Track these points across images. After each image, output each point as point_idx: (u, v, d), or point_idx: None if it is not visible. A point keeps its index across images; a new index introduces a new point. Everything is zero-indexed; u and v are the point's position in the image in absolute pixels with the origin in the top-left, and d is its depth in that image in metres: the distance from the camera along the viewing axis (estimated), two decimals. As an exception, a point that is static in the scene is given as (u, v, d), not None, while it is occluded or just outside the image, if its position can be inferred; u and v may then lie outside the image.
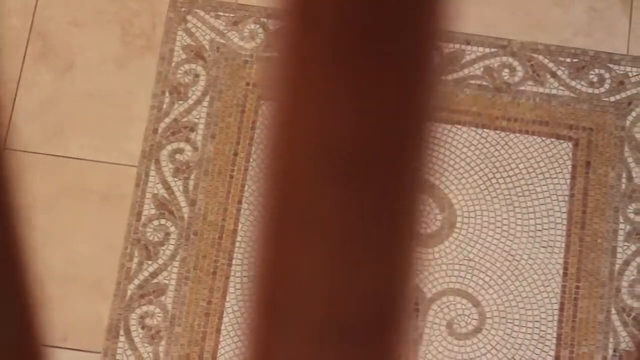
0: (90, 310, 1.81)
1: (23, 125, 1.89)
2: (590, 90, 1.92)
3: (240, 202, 1.86)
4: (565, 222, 1.86)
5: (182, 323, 1.81)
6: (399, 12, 0.27)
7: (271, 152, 0.28)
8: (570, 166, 1.88)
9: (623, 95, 1.92)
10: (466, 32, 1.95)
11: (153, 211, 1.86)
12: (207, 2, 1.96)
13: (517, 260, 1.84)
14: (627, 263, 1.84)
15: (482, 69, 1.93)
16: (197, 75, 1.93)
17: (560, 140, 1.90)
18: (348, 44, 0.27)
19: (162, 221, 1.85)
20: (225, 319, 1.81)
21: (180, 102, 1.91)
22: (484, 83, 1.92)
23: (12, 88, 1.91)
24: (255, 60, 1.93)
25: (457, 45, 1.95)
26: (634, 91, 1.92)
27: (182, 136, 1.90)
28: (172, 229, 1.85)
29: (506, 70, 1.93)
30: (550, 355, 1.80)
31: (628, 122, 1.91)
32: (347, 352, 0.30)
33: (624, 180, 1.87)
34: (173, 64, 1.93)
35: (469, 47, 1.94)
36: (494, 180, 1.88)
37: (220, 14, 1.96)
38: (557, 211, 1.86)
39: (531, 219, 1.86)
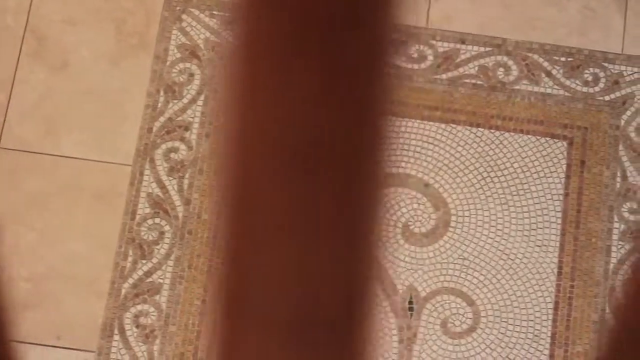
0: (84, 309, 1.81)
1: (17, 124, 1.89)
2: (584, 90, 1.92)
3: (234, 201, 1.85)
4: (559, 221, 1.86)
5: (177, 322, 1.81)
6: (355, 4, 0.26)
7: (228, 149, 0.28)
8: (564, 165, 1.88)
9: (618, 94, 1.92)
10: (461, 31, 1.95)
11: (147, 210, 1.86)
12: (202, 1, 1.96)
13: (511, 259, 1.84)
14: (621, 262, 1.84)
15: (477, 68, 1.93)
16: (191, 74, 1.93)
17: (554, 139, 1.90)
18: (305, 37, 0.26)
19: (157, 220, 1.85)
20: (219, 318, 1.80)
21: (175, 101, 1.91)
22: (479, 82, 1.92)
23: (6, 87, 1.90)
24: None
25: (451, 44, 1.95)
26: (628, 90, 1.92)
27: (177, 135, 1.90)
28: (167, 228, 1.85)
29: (501, 69, 1.93)
30: (545, 354, 1.81)
31: (623, 121, 1.91)
32: (311, 348, 0.30)
33: (618, 179, 1.88)
34: (168, 62, 1.93)
35: (463, 46, 1.94)
36: (488, 179, 1.88)
37: (215, 12, 1.95)
38: (552, 210, 1.86)
39: (526, 218, 1.86)
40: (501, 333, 1.81)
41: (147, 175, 1.87)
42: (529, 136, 1.90)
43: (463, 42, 1.95)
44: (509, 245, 1.85)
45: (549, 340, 1.81)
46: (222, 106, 0.28)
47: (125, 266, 1.83)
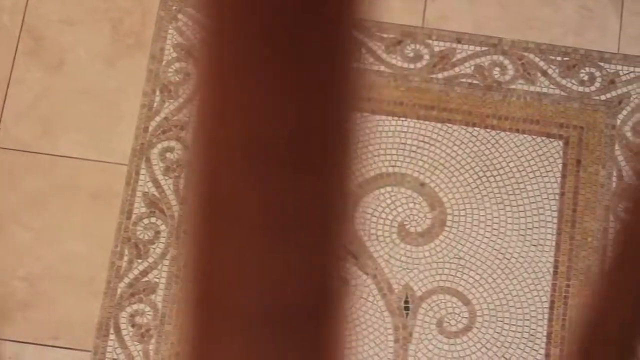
0: (80, 308, 1.81)
1: (13, 124, 1.88)
2: (580, 89, 1.93)
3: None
4: (555, 220, 1.86)
5: (173, 321, 1.81)
6: (317, 1, 0.27)
7: (199, 147, 0.28)
8: (560, 164, 1.89)
9: (614, 93, 1.93)
10: (457, 31, 1.95)
11: (143, 209, 1.85)
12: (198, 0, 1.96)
13: (507, 259, 1.84)
14: (617, 261, 1.84)
15: (472, 68, 1.93)
16: (187, 74, 1.93)
17: (550, 139, 1.90)
18: (274, 35, 0.27)
19: (153, 219, 1.85)
20: (216, 318, 1.80)
21: (171, 100, 1.91)
22: (475, 81, 1.93)
23: (2, 86, 1.90)
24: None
25: (447, 44, 1.95)
26: (624, 90, 1.93)
27: (173, 135, 1.90)
28: (163, 227, 1.85)
29: (497, 68, 1.93)
30: (541, 354, 1.81)
31: (619, 121, 1.91)
32: (282, 343, 0.30)
33: (614, 178, 1.88)
34: (164, 62, 1.93)
35: (459, 46, 1.94)
36: (484, 179, 1.88)
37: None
38: (548, 209, 1.86)
39: (522, 217, 1.86)
40: (497, 332, 1.82)
41: (143, 174, 1.87)
42: (525, 135, 1.90)
43: (459, 42, 1.95)
44: (504, 244, 1.85)
45: (544, 339, 1.81)
46: (194, 105, 0.28)
47: (121, 265, 1.83)
